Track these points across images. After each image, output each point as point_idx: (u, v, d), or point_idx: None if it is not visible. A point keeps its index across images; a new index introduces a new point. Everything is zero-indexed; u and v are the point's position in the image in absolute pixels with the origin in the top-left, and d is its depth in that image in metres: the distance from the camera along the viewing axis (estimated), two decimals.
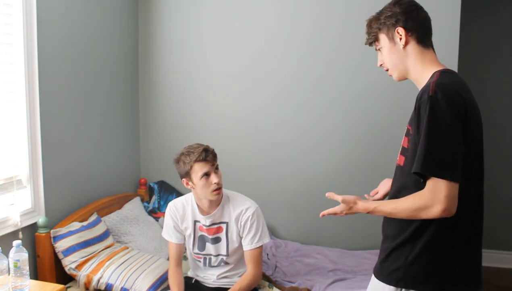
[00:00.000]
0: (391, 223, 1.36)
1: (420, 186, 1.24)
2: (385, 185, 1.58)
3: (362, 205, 1.37)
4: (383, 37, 1.40)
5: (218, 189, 2.00)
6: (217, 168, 2.04)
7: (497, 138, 3.39)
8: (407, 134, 1.34)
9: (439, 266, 1.28)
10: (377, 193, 1.59)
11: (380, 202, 1.36)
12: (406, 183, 1.32)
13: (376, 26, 1.41)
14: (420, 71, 1.36)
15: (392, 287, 1.32)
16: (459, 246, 1.29)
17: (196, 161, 1.97)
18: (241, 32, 2.95)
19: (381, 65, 1.45)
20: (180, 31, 3.06)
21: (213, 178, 1.98)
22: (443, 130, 1.18)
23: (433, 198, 1.19)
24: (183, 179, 2.05)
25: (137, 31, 3.13)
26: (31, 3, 2.15)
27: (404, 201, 1.27)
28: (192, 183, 2.01)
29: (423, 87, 1.28)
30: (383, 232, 1.42)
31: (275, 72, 2.92)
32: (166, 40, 3.09)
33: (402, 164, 1.36)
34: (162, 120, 3.16)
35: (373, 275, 1.43)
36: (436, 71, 1.31)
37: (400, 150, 1.38)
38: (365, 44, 1.48)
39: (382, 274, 1.37)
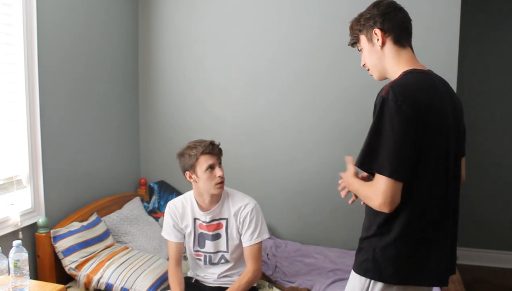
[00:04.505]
0: (365, 216, 1.42)
1: None
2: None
3: (351, 170, 1.43)
4: (363, 38, 1.46)
5: (221, 182, 2.02)
6: (220, 163, 2.06)
7: (496, 139, 3.39)
8: None
9: (404, 261, 1.31)
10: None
11: (357, 180, 1.41)
12: None
13: (357, 28, 1.47)
14: (396, 71, 1.39)
15: (362, 278, 1.35)
16: (423, 244, 1.31)
17: (202, 153, 1.99)
18: (241, 34, 2.95)
19: (363, 65, 1.50)
20: (181, 32, 3.06)
21: (218, 171, 2.01)
22: (386, 129, 1.23)
23: (373, 191, 1.27)
24: (186, 172, 2.05)
25: (137, 31, 3.13)
26: (31, 3, 2.15)
27: (363, 186, 1.35)
28: (196, 175, 2.02)
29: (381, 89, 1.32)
30: (362, 225, 1.47)
31: (275, 74, 2.92)
32: (166, 40, 3.09)
33: None
34: (162, 121, 3.16)
35: None
36: (403, 71, 1.35)
37: None
38: (348, 45, 1.54)
39: (355, 264, 1.41)
